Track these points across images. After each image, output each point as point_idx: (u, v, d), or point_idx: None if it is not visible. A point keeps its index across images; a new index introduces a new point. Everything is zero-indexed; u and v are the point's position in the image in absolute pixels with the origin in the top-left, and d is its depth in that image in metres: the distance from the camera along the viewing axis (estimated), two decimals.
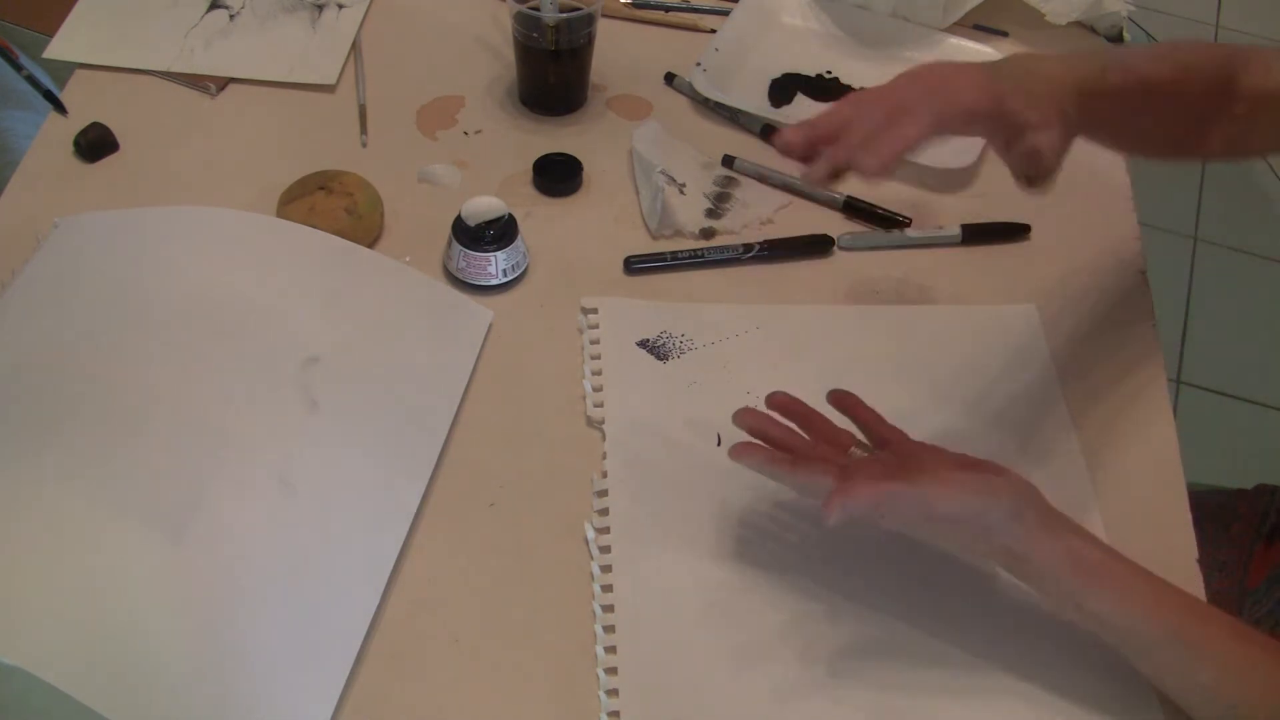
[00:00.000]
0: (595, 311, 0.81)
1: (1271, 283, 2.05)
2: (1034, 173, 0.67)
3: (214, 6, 1.00)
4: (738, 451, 0.64)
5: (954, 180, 0.93)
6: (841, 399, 0.69)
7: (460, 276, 0.81)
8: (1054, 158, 0.66)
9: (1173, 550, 0.70)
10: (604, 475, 0.72)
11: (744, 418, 0.67)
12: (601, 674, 0.63)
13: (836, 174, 0.66)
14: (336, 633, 0.62)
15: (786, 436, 0.66)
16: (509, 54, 0.96)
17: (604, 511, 0.70)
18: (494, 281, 0.81)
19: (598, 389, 0.76)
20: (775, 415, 0.67)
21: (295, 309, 0.73)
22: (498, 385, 0.77)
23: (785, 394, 0.68)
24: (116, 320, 0.70)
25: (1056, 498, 0.73)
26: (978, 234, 0.88)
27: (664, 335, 0.80)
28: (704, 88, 0.95)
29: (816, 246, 0.86)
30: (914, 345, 0.81)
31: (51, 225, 0.78)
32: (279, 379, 0.69)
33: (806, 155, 0.67)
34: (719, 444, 0.74)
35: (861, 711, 0.63)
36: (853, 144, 0.65)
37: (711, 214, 0.88)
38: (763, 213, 0.89)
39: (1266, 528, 0.85)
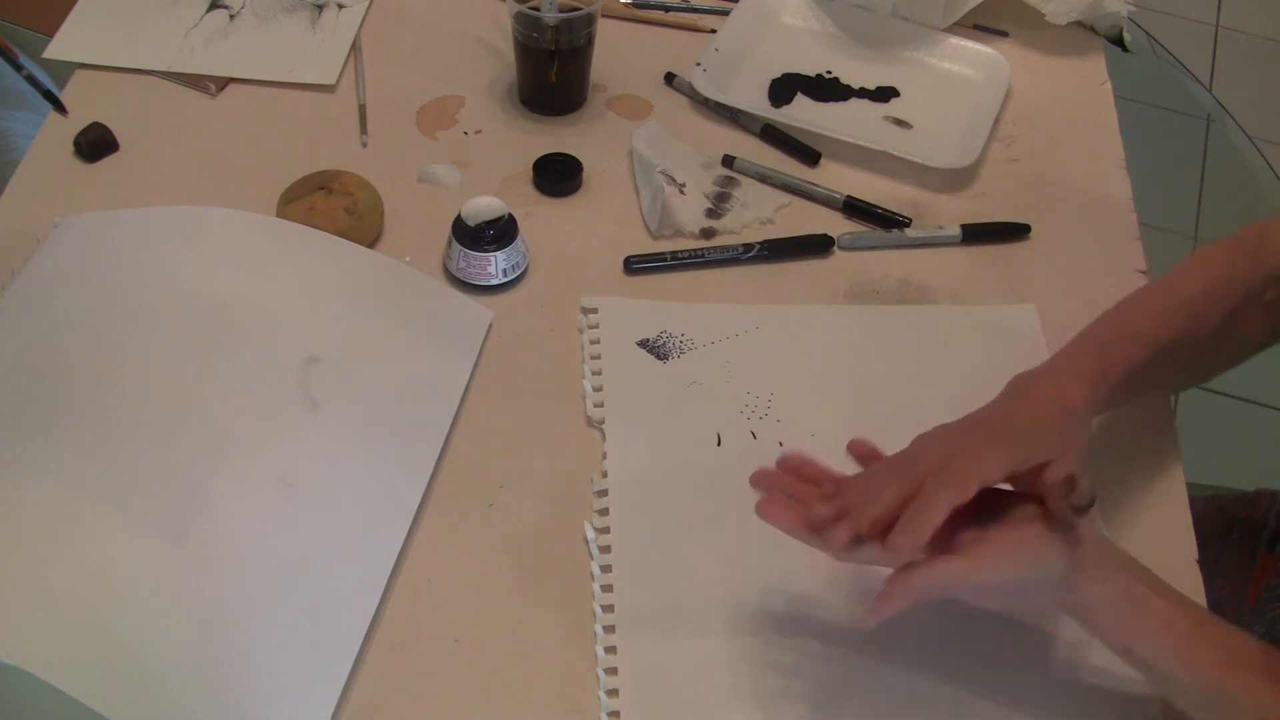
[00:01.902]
0: (595, 311, 0.81)
1: None
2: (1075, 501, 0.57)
3: (214, 6, 1.00)
4: (764, 510, 0.60)
5: (954, 180, 0.93)
6: (864, 453, 0.65)
7: (460, 276, 0.81)
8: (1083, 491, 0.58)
9: (1173, 551, 0.70)
10: (604, 475, 0.72)
11: (760, 480, 0.64)
12: (601, 674, 0.63)
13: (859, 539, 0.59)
14: (336, 633, 0.62)
15: (805, 495, 0.62)
16: (509, 54, 0.96)
17: (604, 511, 0.70)
18: (494, 281, 0.81)
19: (598, 389, 0.76)
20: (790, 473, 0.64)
21: (295, 309, 0.73)
22: (498, 385, 0.77)
23: (798, 456, 0.65)
24: (116, 320, 0.70)
25: None
26: (978, 234, 0.88)
27: (664, 335, 0.80)
28: (704, 88, 0.95)
29: (816, 246, 0.86)
30: (914, 345, 0.81)
31: (51, 225, 0.78)
32: (279, 379, 0.69)
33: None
34: (719, 444, 0.74)
35: (863, 711, 0.63)
36: (875, 516, 0.58)
37: (711, 214, 0.88)
38: (763, 213, 0.89)
39: (1267, 534, 0.85)
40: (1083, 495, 0.55)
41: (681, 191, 0.88)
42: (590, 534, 0.69)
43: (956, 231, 0.88)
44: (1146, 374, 0.67)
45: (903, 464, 0.61)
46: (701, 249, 0.85)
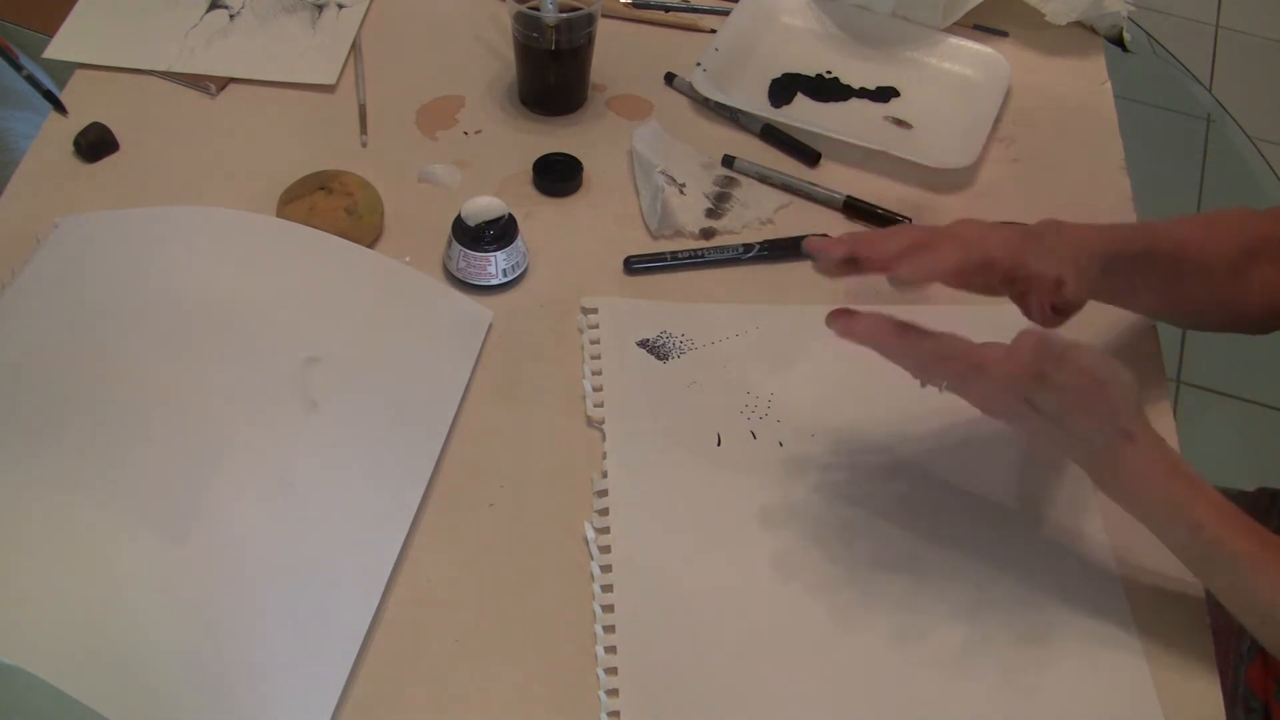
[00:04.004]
0: (595, 311, 0.81)
1: None
2: (1058, 303, 0.67)
3: (214, 6, 1.00)
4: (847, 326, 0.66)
5: (954, 180, 0.93)
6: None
7: (460, 276, 0.81)
8: (1070, 295, 0.67)
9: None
10: (604, 475, 0.72)
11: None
12: (601, 674, 0.63)
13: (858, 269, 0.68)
14: (336, 633, 0.62)
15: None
16: (509, 54, 0.96)
17: (604, 511, 0.70)
18: (494, 281, 0.81)
19: (598, 389, 0.76)
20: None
21: (295, 309, 0.73)
22: (498, 385, 0.77)
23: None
24: (117, 320, 0.70)
25: (1056, 498, 0.73)
26: None
27: (664, 335, 0.80)
28: (704, 88, 0.95)
29: None
30: None
31: (51, 225, 0.78)
32: (279, 379, 0.69)
33: (842, 266, 0.68)
34: (719, 444, 0.74)
35: (862, 710, 0.63)
36: (889, 255, 0.66)
37: (711, 214, 0.88)
38: (763, 213, 0.89)
39: (1271, 530, 0.84)
40: (1068, 294, 0.64)
41: (681, 191, 0.88)
42: (590, 534, 0.69)
43: None
44: (1158, 272, 0.71)
45: (924, 229, 0.68)
46: (701, 249, 0.85)
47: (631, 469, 0.72)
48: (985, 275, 0.66)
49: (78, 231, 0.76)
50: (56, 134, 0.89)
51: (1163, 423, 0.77)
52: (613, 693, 0.63)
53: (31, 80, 0.95)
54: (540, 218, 0.87)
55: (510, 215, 0.81)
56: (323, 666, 0.61)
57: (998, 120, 0.97)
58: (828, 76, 1.01)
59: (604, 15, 1.00)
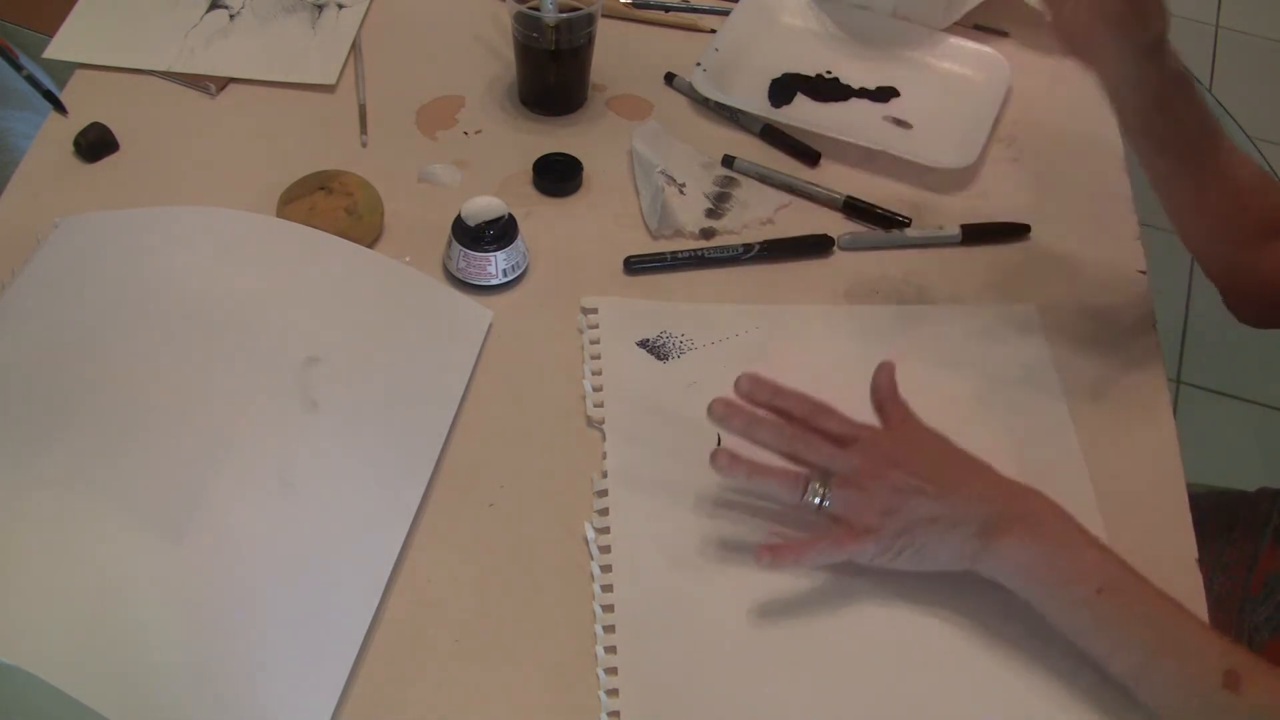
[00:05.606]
0: (595, 311, 0.81)
1: None
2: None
3: (214, 6, 1.00)
4: (720, 462, 0.66)
5: (954, 180, 0.93)
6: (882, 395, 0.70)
7: (460, 276, 0.81)
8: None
9: (1173, 550, 0.70)
10: (604, 475, 0.72)
11: (717, 409, 0.68)
12: (601, 674, 0.63)
13: None
14: (336, 633, 0.63)
15: (757, 427, 0.68)
16: (509, 54, 0.96)
17: (604, 511, 0.70)
18: (494, 281, 0.81)
19: (598, 389, 0.76)
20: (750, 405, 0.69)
21: (295, 309, 0.73)
22: (498, 385, 0.77)
23: (750, 378, 0.69)
24: (117, 320, 0.70)
25: (1056, 497, 0.73)
26: (978, 234, 0.88)
27: (664, 335, 0.80)
28: (704, 88, 0.95)
29: (816, 246, 0.86)
30: (914, 345, 0.81)
31: (52, 225, 0.78)
32: (279, 379, 0.69)
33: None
34: (719, 444, 0.74)
35: (860, 711, 0.63)
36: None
37: (711, 214, 0.88)
38: (763, 213, 0.89)
39: (1271, 529, 0.85)
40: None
41: (681, 191, 0.88)
42: (590, 534, 0.69)
43: (956, 231, 0.88)
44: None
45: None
46: (701, 249, 0.85)
47: (631, 469, 0.72)
48: None
49: (78, 231, 0.76)
50: (56, 134, 0.89)
51: (1163, 422, 0.77)
52: (613, 693, 0.63)
53: (31, 80, 0.95)
54: (540, 218, 0.87)
55: (510, 215, 0.81)
56: (323, 666, 0.61)
57: (998, 120, 0.97)
58: (828, 76, 1.01)
59: (604, 15, 1.00)
